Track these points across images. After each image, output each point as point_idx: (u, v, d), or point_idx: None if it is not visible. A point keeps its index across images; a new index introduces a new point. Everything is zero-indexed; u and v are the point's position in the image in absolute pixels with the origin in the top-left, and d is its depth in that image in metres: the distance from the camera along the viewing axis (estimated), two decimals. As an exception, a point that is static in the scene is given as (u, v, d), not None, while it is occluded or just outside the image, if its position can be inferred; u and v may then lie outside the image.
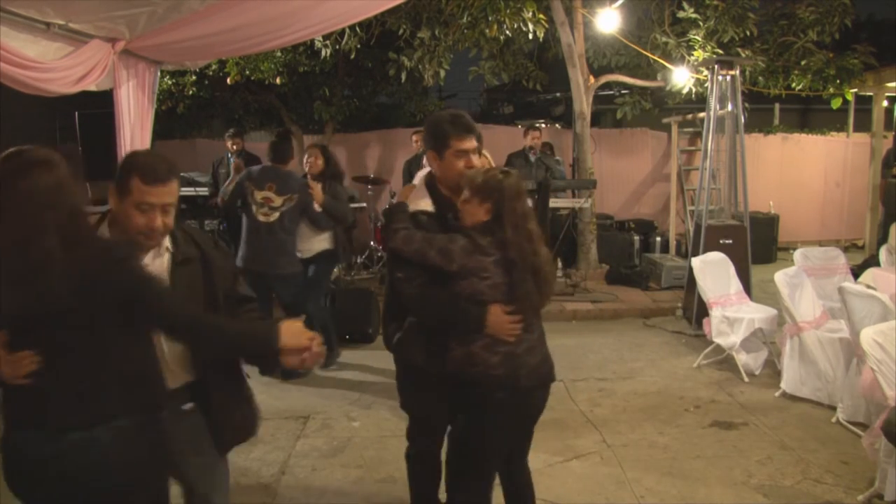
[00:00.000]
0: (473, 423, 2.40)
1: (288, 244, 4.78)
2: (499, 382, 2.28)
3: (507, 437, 2.43)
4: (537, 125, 7.92)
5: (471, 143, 2.37)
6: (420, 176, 3.03)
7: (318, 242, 5.02)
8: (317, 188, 4.79)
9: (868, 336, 3.04)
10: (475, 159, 2.39)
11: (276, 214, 4.70)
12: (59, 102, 4.35)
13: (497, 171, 2.32)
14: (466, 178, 2.30)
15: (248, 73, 7.78)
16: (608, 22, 7.21)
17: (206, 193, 8.03)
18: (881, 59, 8.02)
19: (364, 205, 8.33)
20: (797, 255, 5.19)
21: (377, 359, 5.22)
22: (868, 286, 4.07)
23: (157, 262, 2.01)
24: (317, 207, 4.80)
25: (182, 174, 9.20)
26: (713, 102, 6.23)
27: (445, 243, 2.24)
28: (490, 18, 6.44)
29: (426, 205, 2.41)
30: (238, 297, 2.21)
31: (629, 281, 7.52)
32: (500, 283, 2.24)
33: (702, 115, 7.36)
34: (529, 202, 2.39)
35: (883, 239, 6.91)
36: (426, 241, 2.26)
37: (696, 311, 5.80)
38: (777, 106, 11.03)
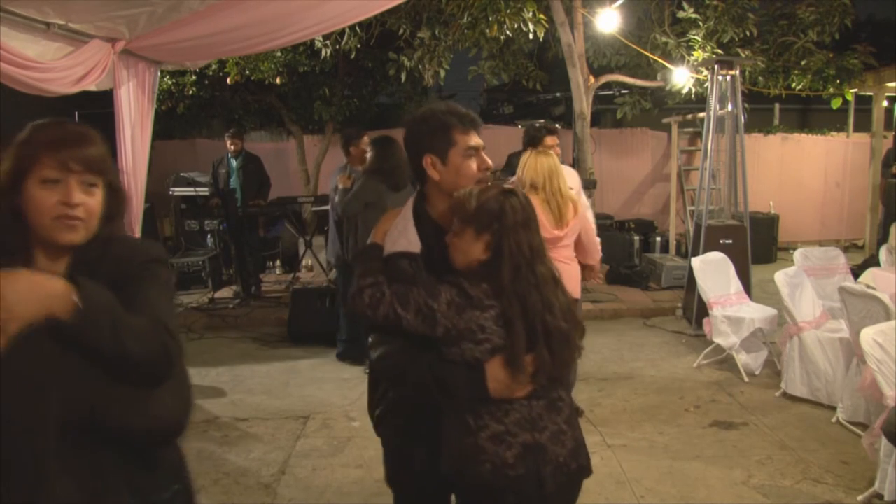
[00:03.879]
0: None
1: None
2: (517, 487, 1.63)
3: None
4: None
5: (479, 140, 1.86)
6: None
7: None
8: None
9: (868, 336, 3.04)
10: (489, 160, 1.87)
11: None
12: (59, 102, 4.35)
13: (497, 190, 1.70)
14: (456, 202, 1.71)
15: (248, 73, 7.79)
16: (608, 22, 7.22)
17: (206, 193, 8.05)
18: (881, 59, 8.03)
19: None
20: (797, 255, 5.19)
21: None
22: (868, 286, 4.06)
23: None
24: None
25: (182, 174, 9.23)
26: (713, 102, 6.23)
27: (425, 300, 1.61)
28: (490, 18, 6.44)
29: (408, 244, 1.77)
30: None
31: (629, 281, 7.52)
32: (502, 347, 1.62)
33: (702, 115, 7.36)
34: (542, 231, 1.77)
35: (883, 239, 6.92)
36: (400, 300, 1.63)
37: (696, 311, 5.80)
38: (777, 106, 11.04)
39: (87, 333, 1.17)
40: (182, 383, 1.39)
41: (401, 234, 1.79)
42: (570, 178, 4.08)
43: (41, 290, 1.14)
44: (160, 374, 1.29)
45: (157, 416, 1.32)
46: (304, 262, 7.96)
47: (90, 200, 1.33)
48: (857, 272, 5.42)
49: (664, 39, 7.59)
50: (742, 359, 4.82)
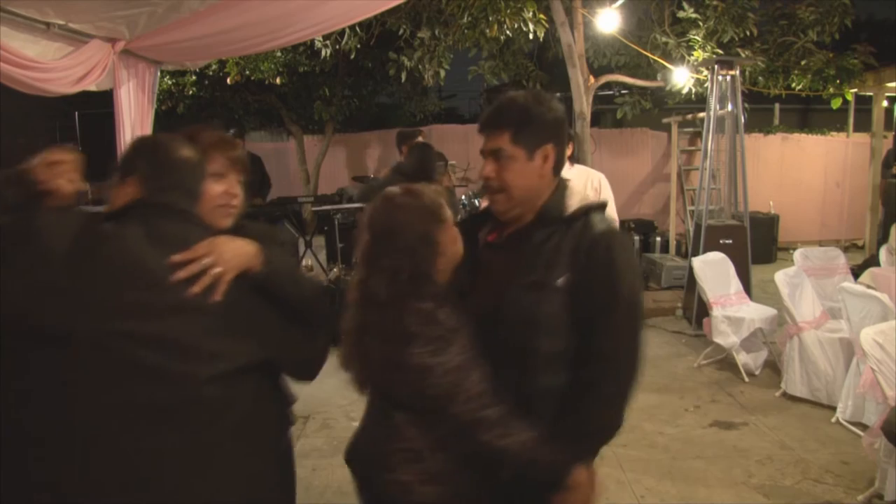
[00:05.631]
0: None
1: None
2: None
3: None
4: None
5: (491, 142, 1.65)
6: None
7: None
8: None
9: (868, 336, 3.05)
10: (494, 165, 1.64)
11: None
12: (59, 102, 4.36)
13: (391, 184, 1.64)
14: None
15: (248, 73, 7.78)
16: (608, 22, 7.21)
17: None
18: (881, 59, 8.01)
19: (364, 205, 8.34)
20: (797, 255, 5.19)
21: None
22: (868, 286, 4.07)
23: None
24: None
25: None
26: (713, 102, 6.23)
27: None
28: (490, 18, 6.43)
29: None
30: None
31: (629, 281, 7.51)
32: None
33: (702, 115, 7.36)
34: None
35: (883, 239, 6.92)
36: None
37: (696, 311, 5.80)
38: (777, 106, 11.05)
39: (277, 282, 1.49)
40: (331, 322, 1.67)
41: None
42: (588, 180, 4.07)
43: (243, 249, 1.44)
44: (324, 312, 1.62)
45: (317, 349, 1.63)
46: (303, 262, 7.96)
47: (241, 194, 1.67)
48: (857, 272, 5.42)
49: (664, 39, 7.58)
50: (742, 359, 4.82)
